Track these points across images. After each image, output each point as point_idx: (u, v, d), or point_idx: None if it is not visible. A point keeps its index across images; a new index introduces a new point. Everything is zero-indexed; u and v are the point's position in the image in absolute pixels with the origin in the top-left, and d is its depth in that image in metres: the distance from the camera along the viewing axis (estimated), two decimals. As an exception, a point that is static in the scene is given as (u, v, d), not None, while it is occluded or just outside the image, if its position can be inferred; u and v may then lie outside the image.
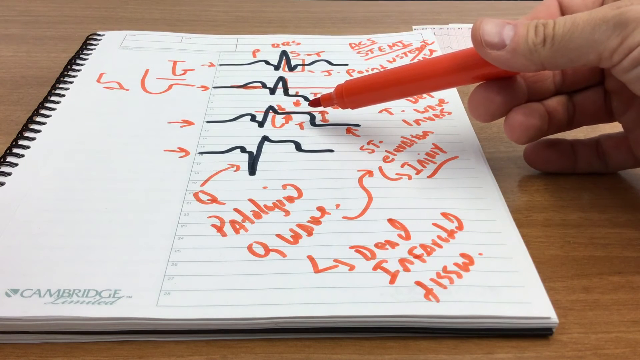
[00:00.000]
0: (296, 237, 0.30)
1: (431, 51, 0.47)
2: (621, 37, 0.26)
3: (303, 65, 0.46)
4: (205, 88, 0.42)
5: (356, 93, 0.36)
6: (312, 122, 0.39)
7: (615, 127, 0.35)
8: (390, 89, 0.35)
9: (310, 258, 0.28)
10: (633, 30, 0.26)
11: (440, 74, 0.33)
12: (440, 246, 0.29)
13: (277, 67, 0.45)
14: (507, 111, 0.32)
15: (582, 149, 0.35)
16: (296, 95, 0.42)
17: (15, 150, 0.35)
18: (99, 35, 0.49)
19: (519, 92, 0.32)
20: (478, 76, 0.32)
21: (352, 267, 0.28)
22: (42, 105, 0.39)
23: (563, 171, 0.35)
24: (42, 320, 0.25)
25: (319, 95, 0.38)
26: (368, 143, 0.37)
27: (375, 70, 0.45)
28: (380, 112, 0.40)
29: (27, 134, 0.37)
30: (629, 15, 0.26)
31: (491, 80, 0.32)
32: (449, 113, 0.40)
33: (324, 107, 0.38)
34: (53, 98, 0.40)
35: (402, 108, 0.40)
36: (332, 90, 0.37)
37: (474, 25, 0.30)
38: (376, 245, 0.29)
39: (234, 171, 0.34)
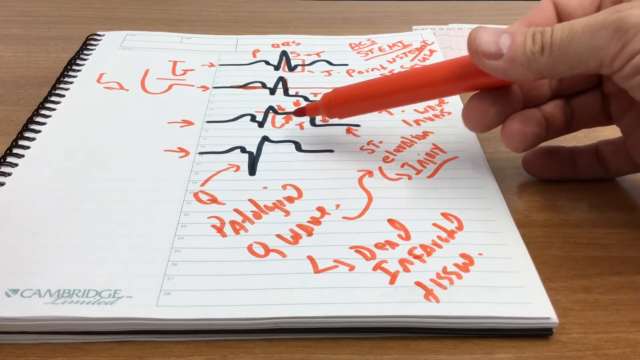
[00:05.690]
0: (296, 237, 0.30)
1: (431, 51, 0.47)
2: (621, 43, 0.25)
3: (303, 65, 0.46)
4: (205, 88, 0.42)
5: (346, 102, 0.34)
6: (312, 122, 0.39)
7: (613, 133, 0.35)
8: (381, 99, 0.34)
9: (310, 258, 0.28)
10: (634, 35, 0.25)
11: (434, 84, 0.32)
12: (440, 246, 0.29)
13: (277, 67, 0.45)
14: (503, 121, 0.31)
15: (582, 155, 0.34)
16: (296, 95, 0.42)
17: (15, 150, 0.35)
18: (99, 35, 0.49)
19: (515, 100, 0.32)
20: (473, 86, 0.31)
21: (352, 268, 0.28)
22: (42, 106, 0.39)
23: (563, 179, 0.35)
24: (42, 320, 0.25)
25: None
26: (368, 143, 0.37)
27: (375, 71, 0.45)
28: (380, 112, 0.40)
29: (27, 134, 0.37)
30: (629, 20, 0.25)
31: (486, 90, 0.31)
32: (449, 113, 0.40)
33: (310, 117, 0.38)
34: (53, 98, 0.40)
35: (402, 108, 0.40)
36: (318, 99, 0.36)
37: (470, 35, 0.29)
38: (376, 246, 0.29)
39: (234, 171, 0.34)
